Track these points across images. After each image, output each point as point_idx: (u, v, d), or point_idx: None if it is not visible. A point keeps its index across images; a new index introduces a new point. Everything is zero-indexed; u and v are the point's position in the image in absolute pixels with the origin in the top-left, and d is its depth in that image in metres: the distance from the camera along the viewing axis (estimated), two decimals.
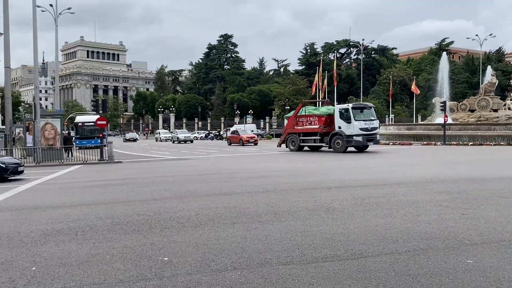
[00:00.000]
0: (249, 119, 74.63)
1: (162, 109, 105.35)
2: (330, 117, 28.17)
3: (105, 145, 25.27)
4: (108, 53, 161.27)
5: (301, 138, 29.71)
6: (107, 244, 6.45)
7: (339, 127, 27.09)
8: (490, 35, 77.89)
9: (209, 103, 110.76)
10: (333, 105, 33.18)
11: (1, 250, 6.34)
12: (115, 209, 9.32)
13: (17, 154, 23.05)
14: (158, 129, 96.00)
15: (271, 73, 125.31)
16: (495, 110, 43.55)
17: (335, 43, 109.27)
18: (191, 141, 54.58)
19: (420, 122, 59.81)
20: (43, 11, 38.91)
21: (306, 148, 30.26)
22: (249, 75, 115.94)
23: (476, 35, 73.15)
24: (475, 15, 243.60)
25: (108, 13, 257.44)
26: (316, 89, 55.80)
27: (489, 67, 56.85)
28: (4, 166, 15.70)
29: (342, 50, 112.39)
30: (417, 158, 22.69)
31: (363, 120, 26.73)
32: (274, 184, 12.43)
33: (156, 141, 62.24)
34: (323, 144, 28.59)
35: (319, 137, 28.51)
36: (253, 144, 42.78)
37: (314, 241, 6.28)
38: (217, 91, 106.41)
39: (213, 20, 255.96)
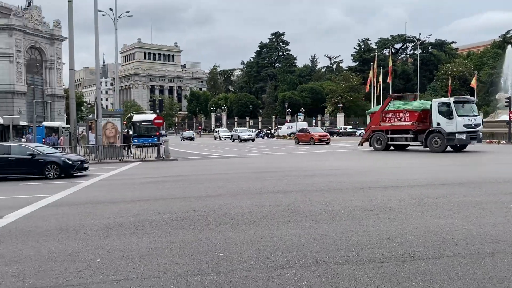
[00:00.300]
0: (301, 117, 74.15)
1: (214, 108, 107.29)
2: (424, 112, 25.57)
3: (161, 144, 26.13)
4: (164, 54, 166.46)
5: (388, 136, 26.83)
6: (166, 239, 6.67)
7: (438, 124, 24.31)
8: None
9: (260, 102, 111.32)
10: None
11: (68, 242, 6.74)
12: (172, 204, 9.61)
13: (80, 152, 24.38)
14: (210, 127, 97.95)
15: (323, 70, 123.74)
16: None
17: (390, 38, 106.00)
18: (252, 140, 52.06)
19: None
20: (103, 15, 40.78)
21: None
22: (301, 73, 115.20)
23: None
24: None
25: (163, 15, 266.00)
26: (370, 85, 54.47)
27: None
28: (70, 163, 16.70)
29: (398, 46, 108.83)
30: (479, 157, 21.52)
31: (466, 116, 24.02)
32: (328, 183, 12.28)
33: (215, 139, 61.04)
34: (417, 143, 25.97)
35: (412, 135, 25.73)
36: (324, 143, 38.77)
37: (371, 241, 6.14)
38: (268, 90, 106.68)
39: (265, 18, 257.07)
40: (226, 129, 73.17)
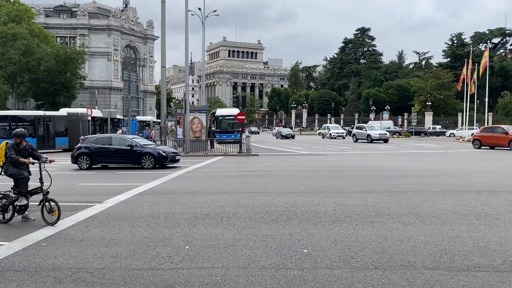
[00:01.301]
0: (386, 115, 71.36)
1: (295, 105, 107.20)
2: None
3: (243, 140, 26.69)
4: (247, 52, 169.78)
5: None
6: (249, 231, 6.82)
7: None
8: None
9: (342, 99, 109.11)
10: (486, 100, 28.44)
11: (160, 228, 7.17)
12: (254, 198, 9.80)
13: (169, 144, 25.76)
14: (291, 124, 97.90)
15: (411, 66, 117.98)
16: None
17: (487, 32, 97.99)
18: (343, 137, 50.91)
19: None
20: (192, 15, 42.65)
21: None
22: (387, 69, 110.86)
23: None
24: None
25: (248, 13, 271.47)
26: (463, 83, 50.83)
27: None
28: (164, 154, 17.75)
29: (496, 40, 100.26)
30: None
31: None
32: (415, 185, 11.71)
33: (323, 138, 53.58)
34: None
35: None
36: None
37: (464, 247, 5.75)
38: (351, 86, 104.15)
39: (349, 14, 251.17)
40: (338, 125, 65.50)
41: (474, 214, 7.76)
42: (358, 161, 20.83)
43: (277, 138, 55.11)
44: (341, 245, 5.96)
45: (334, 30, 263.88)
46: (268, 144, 38.53)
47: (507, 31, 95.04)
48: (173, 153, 18.50)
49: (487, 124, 61.96)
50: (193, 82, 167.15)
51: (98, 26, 73.56)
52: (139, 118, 44.97)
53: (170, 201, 9.70)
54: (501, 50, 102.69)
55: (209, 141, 27.51)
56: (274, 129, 76.60)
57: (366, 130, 41.80)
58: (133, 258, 5.57)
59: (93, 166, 18.00)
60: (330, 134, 52.66)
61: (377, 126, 47.50)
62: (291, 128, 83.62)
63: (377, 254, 5.53)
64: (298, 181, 12.86)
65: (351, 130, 69.66)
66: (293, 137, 54.17)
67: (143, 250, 5.90)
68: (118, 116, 37.42)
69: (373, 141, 39.40)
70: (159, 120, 39.30)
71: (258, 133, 79.82)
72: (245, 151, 25.80)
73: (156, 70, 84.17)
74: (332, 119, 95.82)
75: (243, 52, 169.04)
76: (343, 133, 53.24)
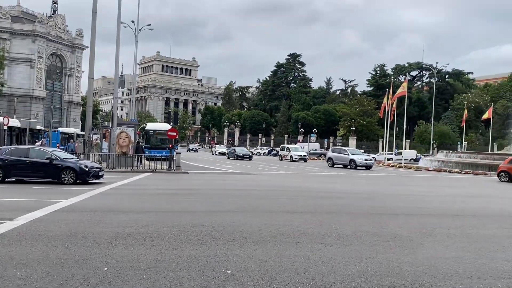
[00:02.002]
0: (313, 137, 74.14)
1: (228, 124, 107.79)
2: None
3: (173, 157, 26.21)
4: (181, 68, 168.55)
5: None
6: (173, 252, 6.65)
7: None
8: None
9: (273, 120, 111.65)
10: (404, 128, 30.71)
11: (77, 248, 6.76)
12: (180, 218, 9.61)
13: (93, 159, 24.60)
14: (223, 143, 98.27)
15: (337, 93, 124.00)
16: None
17: (406, 65, 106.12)
18: (305, 160, 46.96)
19: (497, 152, 56.01)
20: (125, 27, 41.63)
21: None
22: (315, 94, 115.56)
23: None
24: None
25: (183, 29, 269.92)
26: (384, 111, 54.27)
27: None
28: (87, 169, 16.82)
29: (414, 73, 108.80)
30: (493, 190, 21.18)
31: None
32: (337, 206, 12.18)
33: (281, 159, 49.27)
34: None
35: None
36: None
37: (380, 268, 6.05)
38: (282, 108, 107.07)
39: (282, 39, 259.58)
40: (223, 145, 71.58)
41: (390, 236, 8.22)
42: (287, 181, 21.29)
43: (229, 158, 48.60)
44: (265, 266, 6.00)
45: (267, 53, 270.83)
46: (199, 162, 38.19)
47: (423, 66, 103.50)
48: (97, 168, 17.66)
49: (407, 150, 66.34)
50: (123, 95, 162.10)
51: (22, 31, 69.30)
52: (61, 129, 42.57)
53: (90, 220, 9.21)
54: (418, 83, 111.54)
55: (136, 157, 26.66)
56: (214, 147, 70.74)
57: (349, 155, 36.70)
58: (44, 281, 5.19)
59: (7, 179, 16.65)
60: (291, 156, 47.26)
61: (358, 151, 43.15)
62: (233, 145, 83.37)
63: (299, 275, 5.64)
64: (227, 201, 12.84)
65: (276, 152, 71.31)
66: (250, 158, 46.99)
67: (56, 272, 5.52)
68: (38, 127, 35.19)
69: (358, 167, 35.02)
70: (83, 133, 37.45)
71: (197, 150, 76.20)
72: (174, 169, 25.32)
73: (83, 80, 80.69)
74: (263, 139, 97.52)
75: (177, 68, 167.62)
76: (305, 155, 48.26)
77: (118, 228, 8.28)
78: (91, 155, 25.23)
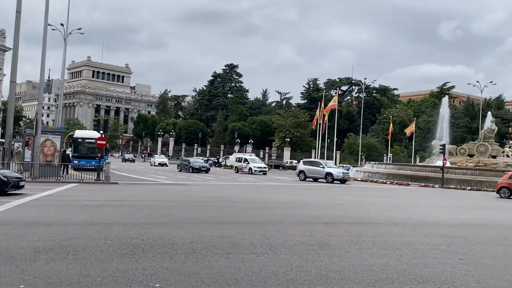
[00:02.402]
0: (249, 148, 74.81)
1: (162, 133, 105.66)
2: None
3: (103, 167, 25.12)
4: (113, 75, 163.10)
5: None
6: (99, 266, 6.34)
7: None
8: (491, 82, 78.51)
9: (210, 130, 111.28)
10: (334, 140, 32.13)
11: None
12: (108, 230, 9.20)
13: (14, 168, 22.93)
14: (157, 152, 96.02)
15: (273, 104, 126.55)
16: (494, 157, 43.72)
17: (337, 80, 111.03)
18: (264, 173, 43.12)
19: (419, 163, 59.92)
20: (53, 29, 39.53)
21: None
22: (252, 105, 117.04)
23: (477, 82, 73.85)
24: (476, 62, 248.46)
25: (116, 35, 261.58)
26: (317, 123, 56.20)
27: (489, 114, 57.50)
28: (5, 179, 15.55)
29: (344, 87, 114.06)
30: (416, 200, 22.60)
31: None
32: (272, 216, 12.33)
33: (237, 172, 45.31)
34: None
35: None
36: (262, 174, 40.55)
37: (309, 276, 6.19)
38: (218, 119, 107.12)
39: (219, 49, 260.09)
40: (257, 157, 57.48)
41: (319, 244, 8.45)
42: (221, 191, 21.22)
43: (180, 170, 43.34)
44: (195, 278, 5.90)
45: (204, 63, 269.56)
46: (131, 172, 36.94)
47: (353, 81, 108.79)
48: (17, 178, 16.41)
49: (337, 161, 69.10)
50: (49, 100, 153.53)
51: None
52: None
53: (7, 233, 8.53)
54: (348, 97, 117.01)
55: (62, 166, 25.24)
56: (153, 157, 63.45)
57: (324, 167, 34.64)
58: None
59: None
60: (250, 168, 43.31)
61: (331, 162, 40.87)
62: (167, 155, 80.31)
63: (229, 286, 5.60)
64: (159, 212, 12.52)
65: (216, 161, 71.17)
66: (207, 171, 41.67)
67: None
68: None
69: (334, 181, 33.32)
70: (3, 140, 34.82)
71: (133, 161, 70.15)
72: (103, 179, 24.27)
73: (5, 84, 75.22)
74: (199, 149, 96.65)
75: (109, 74, 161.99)
76: (265, 167, 44.67)
77: (38, 242, 7.75)
78: (11, 164, 23.49)
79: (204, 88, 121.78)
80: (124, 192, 19.08)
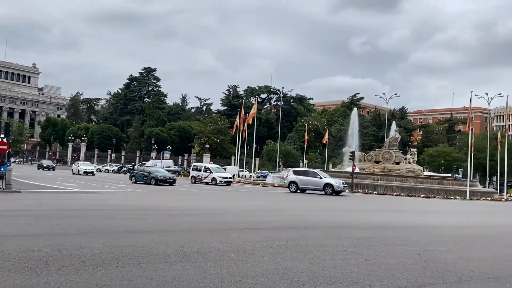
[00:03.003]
0: (167, 154, 73.30)
1: (73, 138, 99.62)
2: None
3: (4, 174, 23.00)
4: (18, 74, 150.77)
5: None
6: None
7: None
8: (395, 94, 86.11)
9: (125, 135, 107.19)
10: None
11: None
12: (5, 243, 8.40)
13: None
14: (67, 158, 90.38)
15: (193, 110, 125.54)
16: (397, 163, 47.40)
17: (257, 88, 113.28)
18: (229, 184, 39.75)
19: (331, 169, 62.99)
20: None
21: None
22: (170, 111, 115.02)
23: (383, 94, 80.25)
24: (382, 75, 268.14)
25: (23, 32, 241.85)
26: (237, 130, 56.66)
27: (394, 123, 62.31)
28: None
29: (263, 95, 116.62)
30: (328, 204, 23.65)
31: None
32: (188, 223, 12.14)
33: (194, 182, 41.34)
34: None
35: None
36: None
37: (223, 283, 6.16)
38: (135, 124, 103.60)
39: (137, 52, 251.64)
40: (217, 165, 49.49)
41: (235, 250, 8.48)
42: (138, 200, 20.50)
43: (136, 182, 36.25)
44: None
45: (119, 66, 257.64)
46: (37, 180, 34.26)
47: (271, 89, 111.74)
48: None
49: (257, 168, 70.22)
50: None
51: None
52: None
53: None
54: (267, 105, 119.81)
55: None
56: (76, 164, 54.75)
57: (321, 178, 32.09)
58: None
59: None
60: (214, 178, 39.27)
61: (89, 163, 39.87)
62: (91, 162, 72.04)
63: None
64: (66, 222, 11.72)
65: (131, 167, 68.51)
66: (172, 183, 35.51)
67: None
68: None
69: (80, 174, 28.99)
70: None
71: (54, 168, 60.66)
72: (3, 187, 22.22)
73: None
74: (113, 155, 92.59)
75: (13, 73, 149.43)
76: (231, 177, 41.00)
77: None
78: None
79: (120, 91, 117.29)
80: (27, 201, 17.63)
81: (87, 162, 60.95)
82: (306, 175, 33.39)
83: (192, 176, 42.73)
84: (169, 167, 62.45)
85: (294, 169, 37.85)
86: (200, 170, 42.10)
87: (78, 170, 49.60)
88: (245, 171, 63.59)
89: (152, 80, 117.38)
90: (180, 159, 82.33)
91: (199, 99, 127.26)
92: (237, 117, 55.59)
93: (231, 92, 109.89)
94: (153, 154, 77.55)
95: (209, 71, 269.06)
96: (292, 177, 33.26)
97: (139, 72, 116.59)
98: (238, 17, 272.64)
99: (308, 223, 13.54)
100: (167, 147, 78.71)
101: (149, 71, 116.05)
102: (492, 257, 9.19)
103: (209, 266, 7.14)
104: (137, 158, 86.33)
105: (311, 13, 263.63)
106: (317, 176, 32.45)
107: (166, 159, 68.07)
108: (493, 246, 10.85)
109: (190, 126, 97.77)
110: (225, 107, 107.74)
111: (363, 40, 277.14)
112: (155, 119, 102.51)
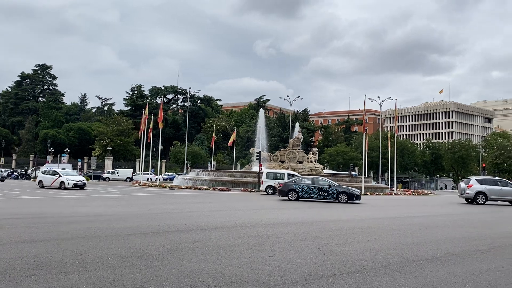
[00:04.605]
0: (65, 158, 68.33)
1: None
2: None
3: None
4: None
5: None
6: None
7: None
8: (298, 97, 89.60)
9: (16, 138, 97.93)
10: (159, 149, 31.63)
11: None
12: None
13: None
14: None
15: (93, 110, 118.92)
16: (301, 162, 49.63)
17: (162, 88, 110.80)
18: (82, 187, 36.03)
19: (239, 170, 63.92)
20: None
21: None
22: (68, 111, 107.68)
23: (288, 96, 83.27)
24: (286, 79, 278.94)
25: None
26: (144, 131, 54.83)
27: (297, 125, 65.17)
28: None
29: (170, 96, 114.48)
30: (235, 204, 23.89)
31: None
32: (86, 230, 11.43)
33: (42, 187, 36.81)
34: None
35: None
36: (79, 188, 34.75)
37: None
38: (27, 125, 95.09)
39: (30, 47, 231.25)
40: (69, 169, 48.48)
41: (137, 256, 8.16)
42: (28, 207, 18.80)
43: (43, 186, 36.15)
44: None
45: (9, 62, 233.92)
46: None
47: (178, 90, 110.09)
48: None
49: (163, 170, 68.58)
50: None
51: None
52: None
53: None
54: (174, 106, 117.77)
55: None
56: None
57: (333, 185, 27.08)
58: None
59: None
60: (62, 182, 35.54)
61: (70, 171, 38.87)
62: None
63: None
64: None
65: (24, 173, 62.79)
66: (83, 186, 35.69)
67: None
68: None
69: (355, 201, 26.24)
70: None
71: (3, 179, 49.38)
72: None
73: None
74: (2, 159, 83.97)
75: None
76: (82, 180, 37.00)
77: None
78: None
79: (9, 90, 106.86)
80: None
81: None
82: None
83: (40, 181, 38.10)
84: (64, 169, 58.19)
85: (289, 172, 37.86)
86: (49, 173, 38.12)
87: None
88: (151, 174, 61.89)
89: (48, 78, 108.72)
90: (80, 163, 77.35)
91: (100, 98, 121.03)
92: (142, 118, 53.80)
93: (135, 92, 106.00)
94: (49, 158, 71.80)
95: (111, 70, 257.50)
96: (291, 183, 28.45)
97: (32, 69, 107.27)
98: (141, 14, 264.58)
99: (214, 223, 13.54)
100: (65, 150, 73.46)
101: (43, 68, 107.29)
102: (383, 247, 10.00)
103: (109, 273, 6.79)
104: (31, 163, 79.33)
105: (216, 14, 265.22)
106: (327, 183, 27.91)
107: (64, 162, 63.46)
108: (384, 237, 11.81)
109: (91, 127, 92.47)
110: (129, 108, 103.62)
111: (267, 44, 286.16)
112: (51, 120, 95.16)
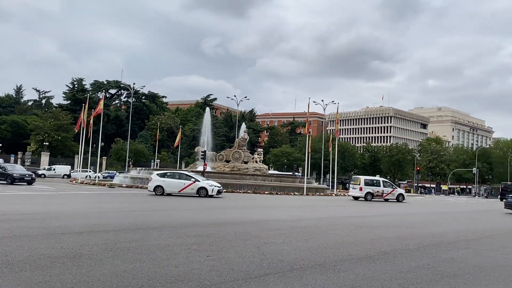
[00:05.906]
0: None
1: None
2: None
3: None
4: None
5: None
6: None
7: None
8: (245, 97, 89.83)
9: None
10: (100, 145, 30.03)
11: None
12: None
13: None
14: None
15: (30, 103, 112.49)
16: (246, 162, 49.85)
17: (105, 82, 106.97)
18: (29, 183, 34.64)
19: (184, 169, 63.07)
20: None
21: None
22: (2, 103, 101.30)
23: (235, 96, 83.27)
24: (234, 78, 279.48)
25: None
26: (81, 127, 52.50)
27: (243, 125, 65.36)
28: None
29: (113, 91, 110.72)
30: (175, 204, 23.57)
31: None
32: (14, 229, 10.79)
33: None
34: None
35: None
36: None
37: None
38: None
39: None
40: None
41: (69, 256, 7.82)
42: None
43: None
44: None
45: None
46: None
47: (122, 85, 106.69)
48: None
49: (104, 167, 66.07)
50: None
51: None
52: None
53: None
54: (117, 101, 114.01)
55: None
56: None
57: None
58: None
59: None
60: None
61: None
62: None
63: None
64: None
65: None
66: (31, 181, 34.63)
67: None
68: None
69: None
70: None
71: None
72: None
73: None
74: None
75: None
76: (31, 175, 35.26)
77: None
78: None
79: None
80: None
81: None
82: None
83: None
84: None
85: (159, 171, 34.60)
86: None
87: None
88: (90, 171, 59.55)
89: None
90: (13, 158, 72.88)
91: (38, 91, 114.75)
92: (82, 113, 51.54)
93: (76, 86, 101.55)
94: None
95: (51, 61, 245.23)
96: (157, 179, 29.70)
97: None
98: (83, 5, 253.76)
99: (152, 223, 13.28)
100: None
101: None
102: (319, 246, 10.29)
103: (37, 275, 6.45)
104: None
105: (164, 9, 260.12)
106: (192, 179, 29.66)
107: None
108: (321, 236, 12.16)
109: (26, 121, 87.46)
110: (69, 102, 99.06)
111: (216, 43, 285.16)
112: None
